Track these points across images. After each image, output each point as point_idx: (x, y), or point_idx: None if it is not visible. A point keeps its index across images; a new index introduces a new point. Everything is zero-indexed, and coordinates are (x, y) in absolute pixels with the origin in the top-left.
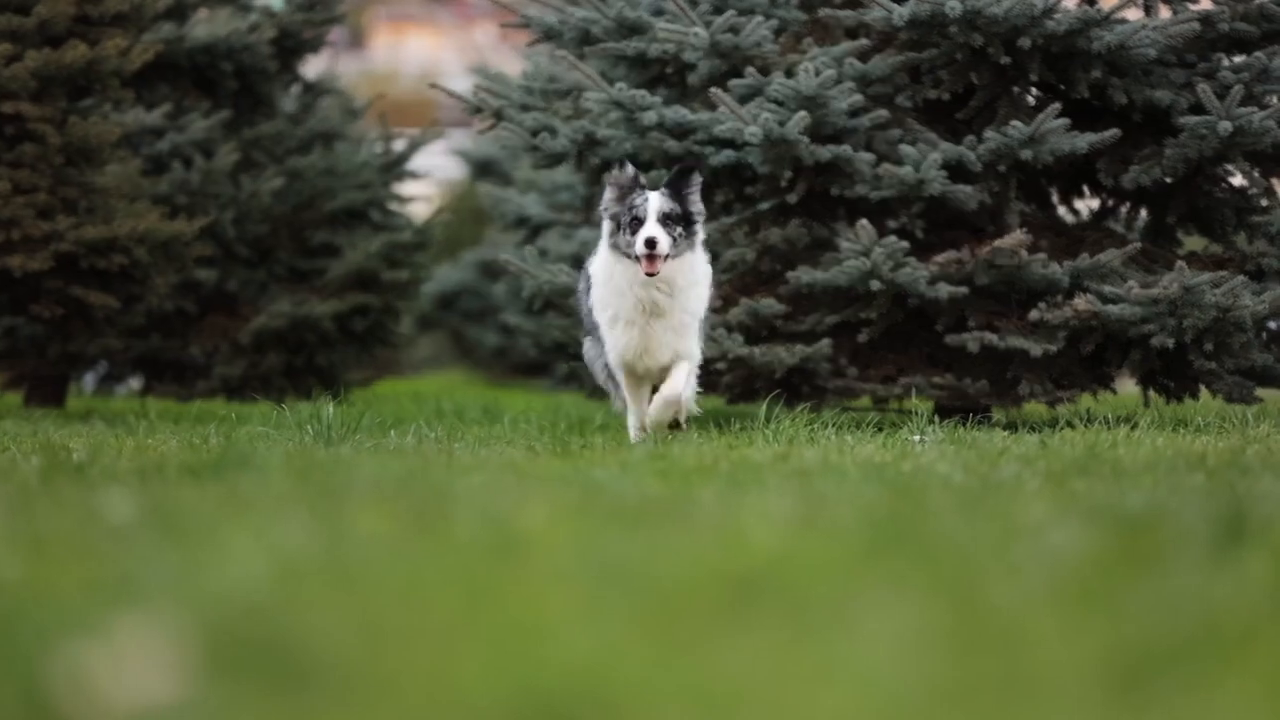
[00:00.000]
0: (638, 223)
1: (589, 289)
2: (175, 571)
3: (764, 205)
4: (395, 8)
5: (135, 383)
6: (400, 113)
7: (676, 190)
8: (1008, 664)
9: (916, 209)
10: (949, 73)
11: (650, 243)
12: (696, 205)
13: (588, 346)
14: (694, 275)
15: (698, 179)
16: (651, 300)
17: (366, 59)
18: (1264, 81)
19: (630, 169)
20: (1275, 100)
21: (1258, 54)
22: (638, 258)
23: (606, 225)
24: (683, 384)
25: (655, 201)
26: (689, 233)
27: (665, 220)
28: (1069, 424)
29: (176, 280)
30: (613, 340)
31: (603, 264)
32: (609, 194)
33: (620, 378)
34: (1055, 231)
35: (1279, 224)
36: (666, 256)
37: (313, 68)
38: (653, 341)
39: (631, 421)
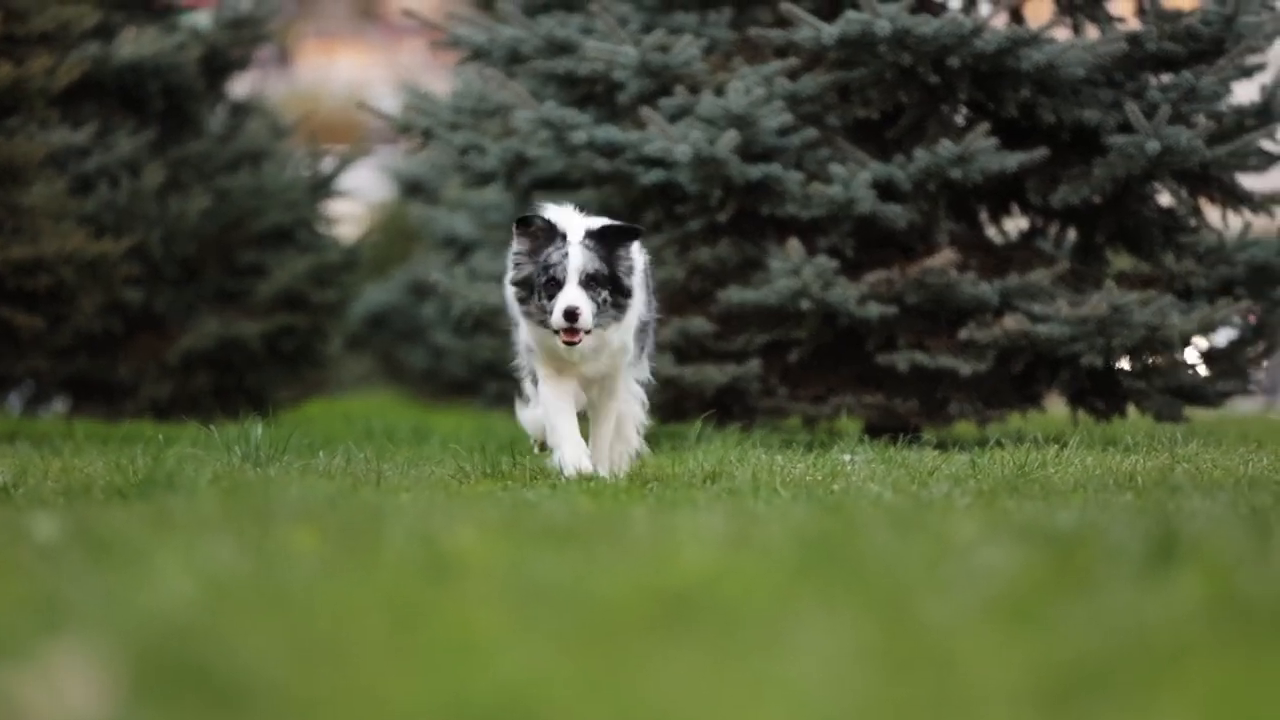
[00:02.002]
0: (554, 285)
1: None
2: (103, 592)
3: (694, 224)
4: (323, 25)
5: (61, 404)
6: (328, 131)
7: (605, 246)
8: (939, 682)
9: (846, 228)
10: (878, 92)
11: (570, 314)
12: (629, 269)
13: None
14: (627, 324)
15: (633, 243)
16: (574, 357)
17: (294, 77)
18: (1191, 101)
19: (543, 219)
20: (1203, 120)
21: (1185, 73)
22: (555, 331)
23: (510, 289)
24: (631, 433)
25: (577, 258)
26: (619, 302)
27: (590, 283)
28: (999, 443)
29: (103, 301)
30: (538, 368)
31: (514, 302)
32: (518, 245)
33: (550, 406)
34: (984, 251)
35: (1206, 243)
36: (589, 330)
37: (240, 87)
38: (584, 372)
39: (566, 452)
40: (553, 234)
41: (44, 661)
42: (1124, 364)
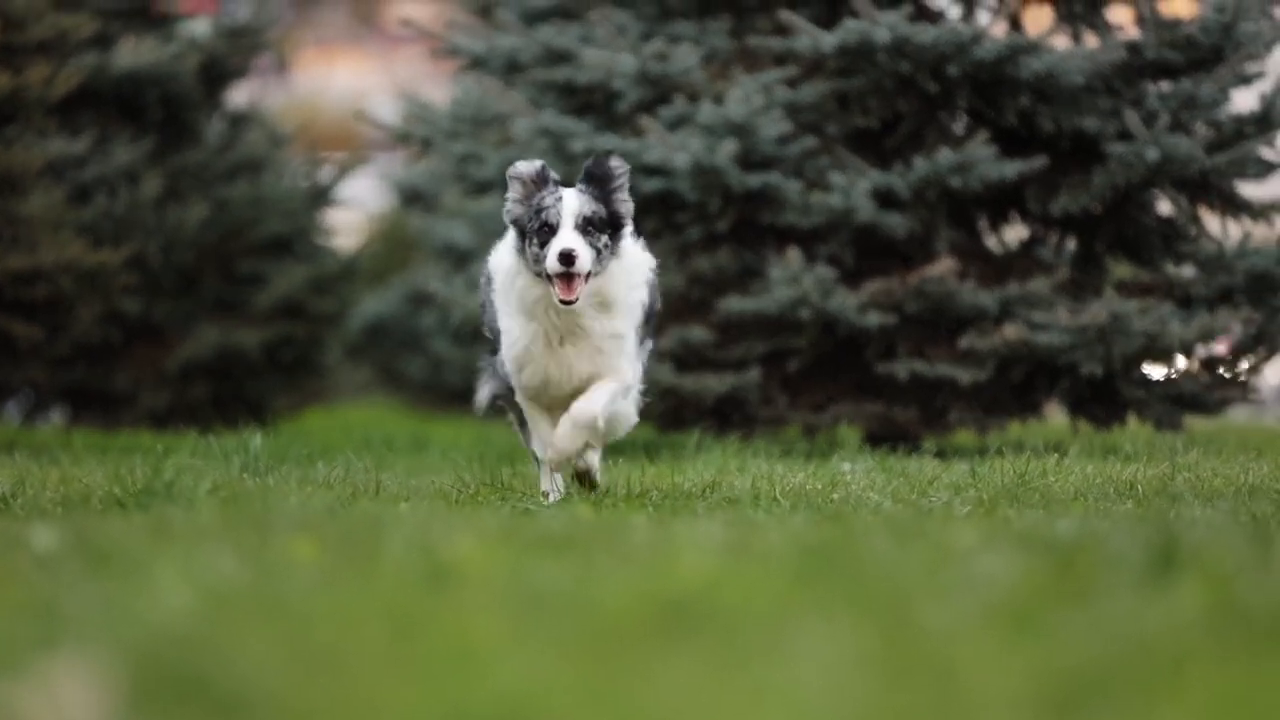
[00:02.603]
0: (548, 230)
1: (490, 285)
2: (102, 602)
3: (693, 233)
4: (321, 34)
5: (60, 414)
6: (327, 139)
7: (598, 186)
8: (939, 689)
9: (845, 237)
10: (877, 100)
11: (566, 257)
12: (624, 204)
13: (489, 364)
14: (627, 283)
15: (622, 169)
16: (568, 327)
17: (293, 86)
18: (1191, 109)
19: (537, 162)
20: (1202, 128)
21: (1184, 82)
22: (550, 277)
23: (511, 233)
24: (602, 404)
25: (572, 202)
26: (615, 240)
27: (586, 226)
28: (999, 452)
29: (102, 310)
30: (512, 360)
31: (507, 268)
32: (512, 192)
33: (522, 403)
34: (984, 260)
35: (1206, 252)
36: (589, 274)
37: (239, 96)
38: (564, 369)
39: (543, 469)
40: (545, 180)
41: (43, 671)
42: (1129, 371)
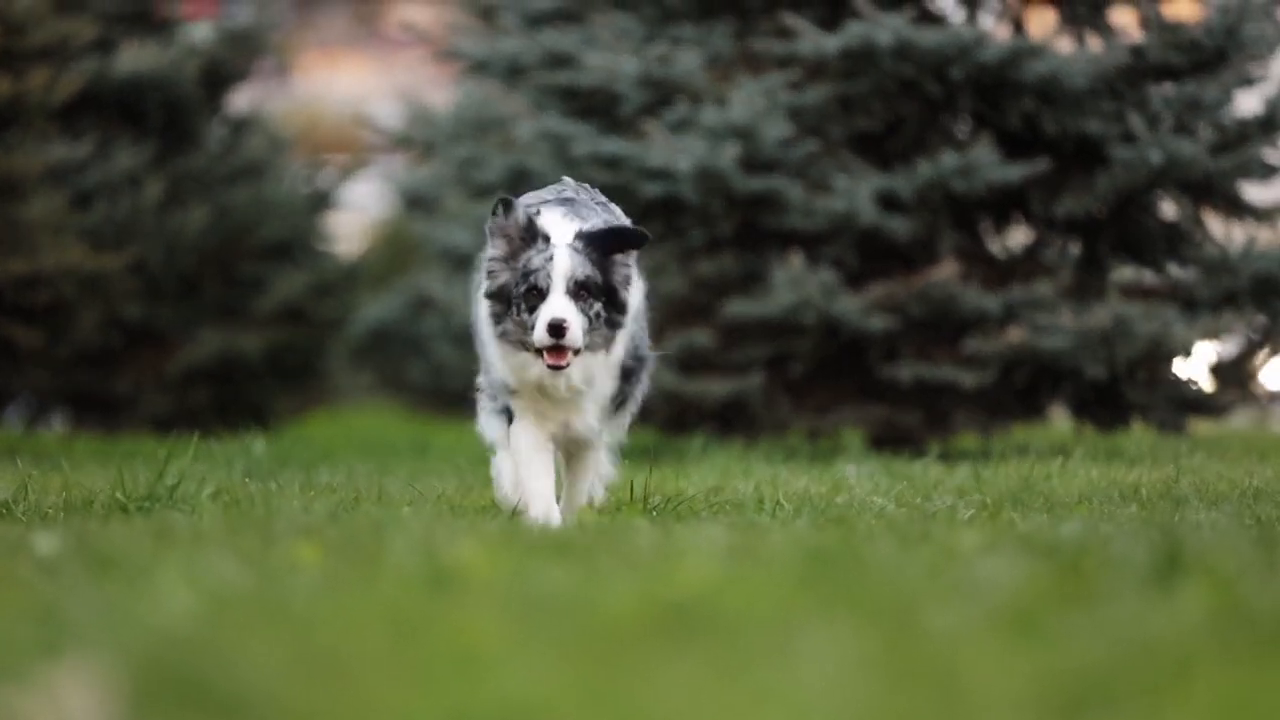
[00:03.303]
0: (536, 295)
1: (477, 314)
2: (104, 607)
3: (696, 237)
4: (322, 36)
5: (61, 419)
6: (329, 142)
7: (599, 250)
8: (943, 693)
9: (848, 240)
10: (880, 104)
11: (556, 328)
12: (627, 278)
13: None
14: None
15: (633, 251)
16: (556, 388)
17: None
18: (1194, 112)
19: (522, 212)
20: (1206, 131)
21: (1188, 84)
22: (537, 350)
23: (485, 304)
24: (584, 499)
25: (564, 261)
26: (613, 318)
27: (580, 292)
28: (1003, 456)
29: (103, 315)
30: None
31: (486, 318)
32: (494, 248)
33: (515, 436)
34: (987, 263)
35: (1210, 255)
36: (579, 350)
37: (240, 100)
38: (554, 419)
39: (534, 512)
40: (534, 235)
41: (46, 676)
42: (1133, 375)
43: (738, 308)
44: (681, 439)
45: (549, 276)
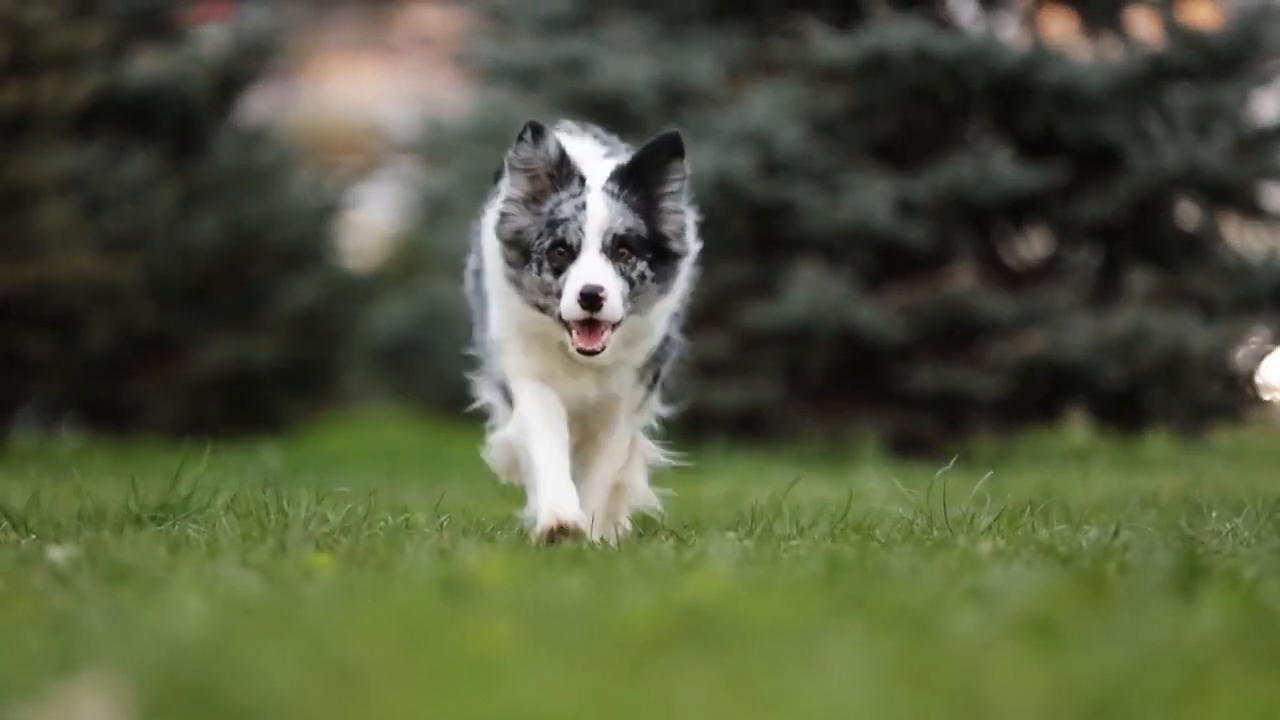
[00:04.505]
0: (565, 253)
1: (478, 262)
2: (118, 616)
3: (712, 243)
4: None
5: (73, 427)
6: (341, 149)
7: (641, 185)
8: (961, 700)
9: (865, 247)
10: (897, 110)
11: (591, 299)
12: (676, 218)
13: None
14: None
15: (679, 167)
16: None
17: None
18: (1213, 116)
19: (553, 140)
20: (1224, 135)
21: (1206, 88)
22: (565, 322)
23: (494, 247)
24: (622, 460)
25: (600, 209)
26: (663, 274)
27: (620, 249)
28: (1021, 462)
29: (115, 323)
30: (512, 363)
31: (496, 270)
32: (513, 185)
33: (519, 395)
34: (1005, 269)
35: (1229, 260)
36: (617, 324)
37: (252, 108)
38: (572, 392)
39: (544, 493)
40: (567, 173)
41: (60, 688)
42: (1151, 381)
43: (755, 314)
44: (698, 445)
45: (581, 231)
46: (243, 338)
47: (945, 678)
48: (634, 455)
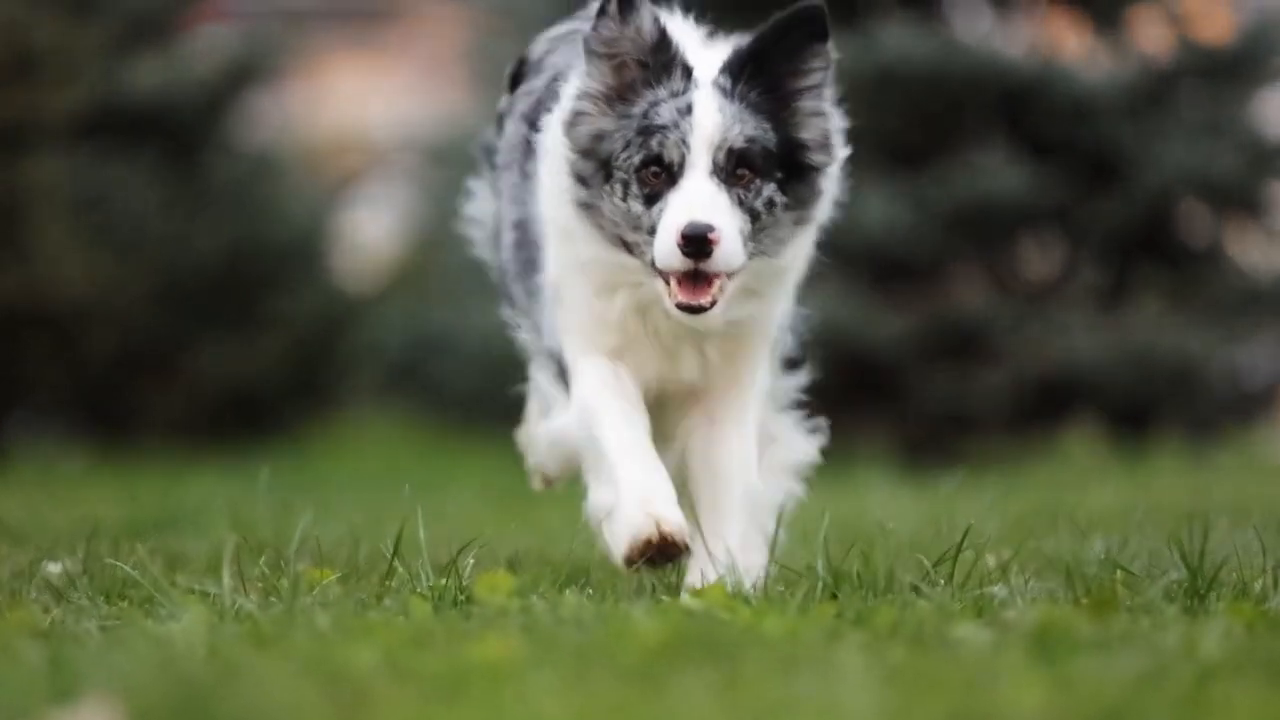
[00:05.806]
0: (661, 173)
1: (516, 188)
2: (115, 631)
3: None
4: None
5: (72, 438)
6: (340, 153)
7: (768, 78)
8: (967, 708)
9: (872, 259)
10: (906, 121)
11: (697, 240)
12: (817, 122)
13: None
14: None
15: (821, 52)
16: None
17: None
18: (1222, 125)
19: (649, 16)
20: (1233, 144)
21: (1215, 97)
22: (661, 272)
23: (560, 158)
24: (752, 456)
25: (712, 113)
26: (800, 194)
27: (738, 169)
28: (1028, 473)
29: (114, 333)
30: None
31: (561, 194)
32: (593, 76)
33: (579, 374)
34: (1013, 279)
35: (1238, 270)
36: (733, 273)
37: (251, 116)
38: (664, 363)
39: (624, 483)
40: (668, 61)
41: (57, 702)
42: (1160, 391)
43: None
44: None
45: (685, 144)
46: (245, 348)
47: (950, 688)
48: (767, 458)
